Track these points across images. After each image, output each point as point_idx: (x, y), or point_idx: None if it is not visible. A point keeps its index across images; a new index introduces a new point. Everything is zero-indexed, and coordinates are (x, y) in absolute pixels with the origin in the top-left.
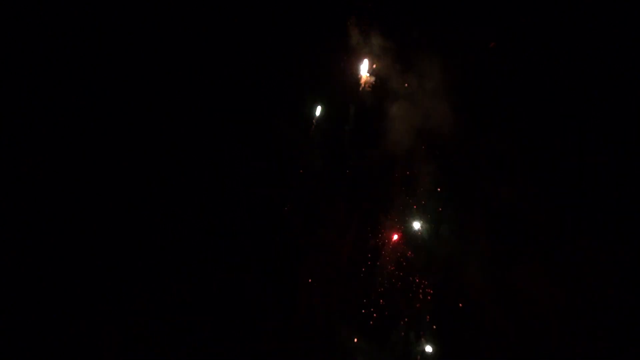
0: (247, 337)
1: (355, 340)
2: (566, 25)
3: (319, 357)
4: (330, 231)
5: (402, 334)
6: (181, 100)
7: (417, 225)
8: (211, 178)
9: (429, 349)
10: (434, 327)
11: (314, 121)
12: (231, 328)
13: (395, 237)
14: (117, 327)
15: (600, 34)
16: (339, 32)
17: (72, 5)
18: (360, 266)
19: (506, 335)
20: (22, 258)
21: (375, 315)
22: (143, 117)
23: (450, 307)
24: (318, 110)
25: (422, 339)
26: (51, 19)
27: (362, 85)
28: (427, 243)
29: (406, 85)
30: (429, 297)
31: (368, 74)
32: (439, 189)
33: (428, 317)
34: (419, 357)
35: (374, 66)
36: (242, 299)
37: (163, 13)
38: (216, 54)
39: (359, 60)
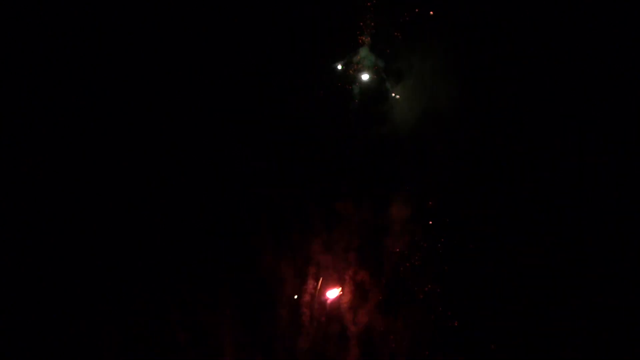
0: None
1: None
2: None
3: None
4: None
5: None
6: (179, 99)
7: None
8: (211, 176)
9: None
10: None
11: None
12: (231, 326)
13: (404, 217)
14: (117, 327)
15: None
16: (342, 11)
17: (72, 5)
18: (370, 248)
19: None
20: (22, 258)
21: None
22: (143, 116)
23: (463, 293)
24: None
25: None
26: (51, 19)
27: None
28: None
29: (411, 66)
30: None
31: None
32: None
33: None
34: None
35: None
36: (243, 298)
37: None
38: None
39: (363, 40)
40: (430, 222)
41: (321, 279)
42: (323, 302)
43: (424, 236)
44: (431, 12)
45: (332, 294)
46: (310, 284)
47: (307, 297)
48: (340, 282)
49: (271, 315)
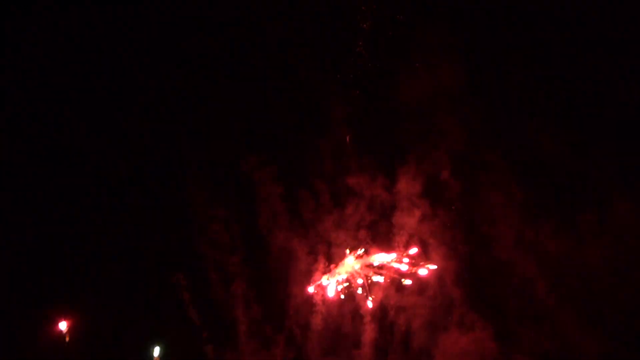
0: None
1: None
2: None
3: None
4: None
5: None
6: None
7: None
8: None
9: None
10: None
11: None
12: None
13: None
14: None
15: None
16: None
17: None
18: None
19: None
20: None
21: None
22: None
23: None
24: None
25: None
26: (51, 19)
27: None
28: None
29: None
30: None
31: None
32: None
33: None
34: None
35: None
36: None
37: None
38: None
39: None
40: (441, 198)
41: (333, 257)
42: (336, 280)
43: (433, 211)
44: None
45: (346, 271)
46: (323, 261)
47: (320, 275)
48: (352, 259)
49: (284, 292)
